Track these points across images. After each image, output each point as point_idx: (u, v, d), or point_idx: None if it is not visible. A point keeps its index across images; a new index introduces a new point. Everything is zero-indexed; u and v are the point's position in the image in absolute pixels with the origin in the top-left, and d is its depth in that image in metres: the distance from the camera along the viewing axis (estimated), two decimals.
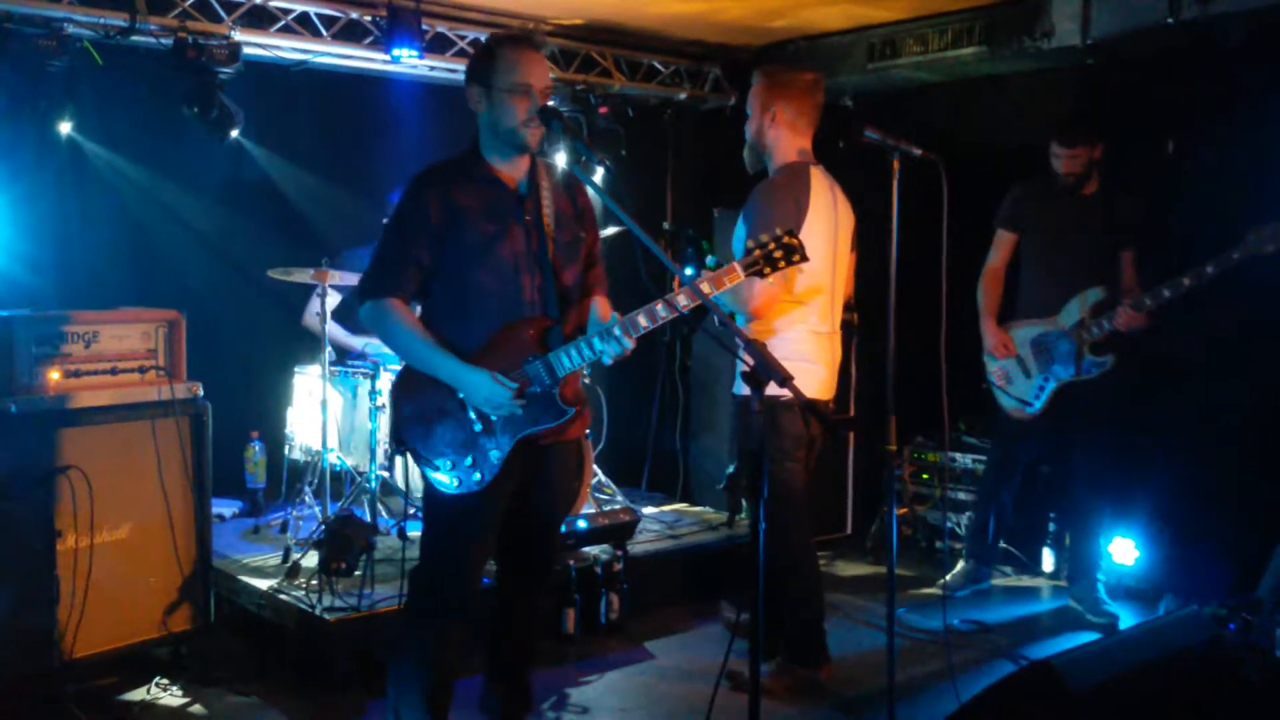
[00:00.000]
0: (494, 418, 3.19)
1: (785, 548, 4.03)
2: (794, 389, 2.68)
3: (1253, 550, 4.70)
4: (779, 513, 3.98)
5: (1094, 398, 5.00)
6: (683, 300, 3.11)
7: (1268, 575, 4.57)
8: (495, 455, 3.20)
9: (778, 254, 3.10)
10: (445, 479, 3.22)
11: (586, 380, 5.96)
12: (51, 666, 3.74)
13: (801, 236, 3.92)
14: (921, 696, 4.18)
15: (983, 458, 5.81)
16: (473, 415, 3.20)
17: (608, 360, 3.18)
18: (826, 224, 4.06)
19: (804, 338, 4.05)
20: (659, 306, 3.12)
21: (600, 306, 3.40)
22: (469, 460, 3.20)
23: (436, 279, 3.26)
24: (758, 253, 3.11)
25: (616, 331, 3.12)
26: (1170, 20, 4.74)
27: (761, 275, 3.15)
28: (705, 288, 3.07)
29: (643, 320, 3.13)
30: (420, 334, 3.21)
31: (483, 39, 5.50)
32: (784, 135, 4.09)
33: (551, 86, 3.26)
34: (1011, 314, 5.21)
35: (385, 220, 3.40)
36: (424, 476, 3.28)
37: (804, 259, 3.11)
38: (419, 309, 3.35)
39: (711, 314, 3.01)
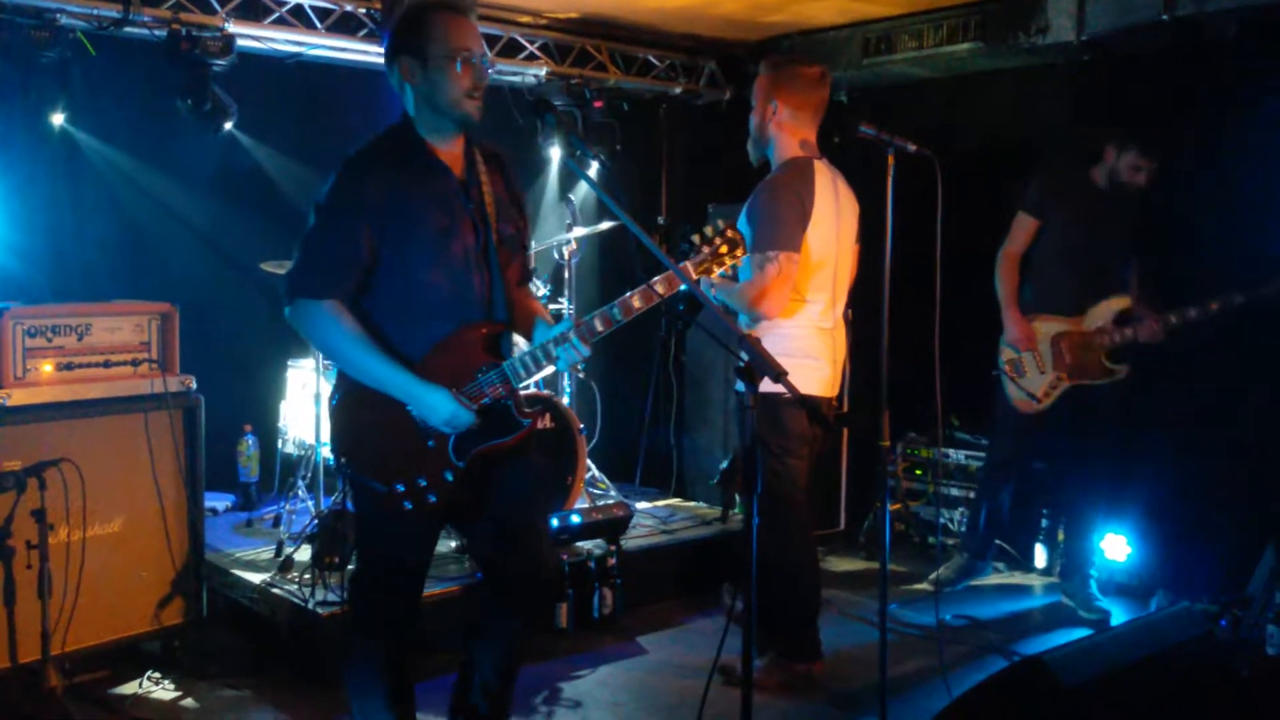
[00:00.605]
0: (449, 433, 2.97)
1: (784, 545, 4.02)
2: (788, 384, 2.67)
3: (1244, 548, 4.72)
4: (780, 510, 3.98)
5: (1101, 402, 5.02)
6: (637, 302, 2.97)
7: (1258, 572, 4.58)
8: (449, 475, 2.98)
9: (723, 249, 2.98)
10: (396, 500, 2.97)
11: (581, 375, 5.97)
12: (43, 660, 3.73)
13: (807, 234, 3.95)
14: (913, 692, 4.19)
15: (976, 454, 5.82)
16: (425, 433, 2.97)
17: (563, 367, 3.05)
18: (830, 220, 4.05)
19: (807, 334, 4.04)
20: (615, 310, 2.97)
21: (538, 309, 3.24)
22: (423, 481, 2.96)
23: (378, 275, 2.96)
24: (705, 249, 3.01)
25: (574, 339, 2.95)
26: (1165, 16, 4.74)
27: (709, 274, 3.04)
28: (660, 288, 2.96)
29: (599, 324, 2.97)
30: (367, 344, 2.91)
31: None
32: (785, 128, 4.07)
33: (484, 53, 3.01)
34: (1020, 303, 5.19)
35: (316, 202, 3.00)
36: (367, 495, 3.03)
37: (746, 251, 3.03)
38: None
39: (706, 308, 2.98)
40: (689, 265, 2.99)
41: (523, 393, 3.19)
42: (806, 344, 4.02)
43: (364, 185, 2.92)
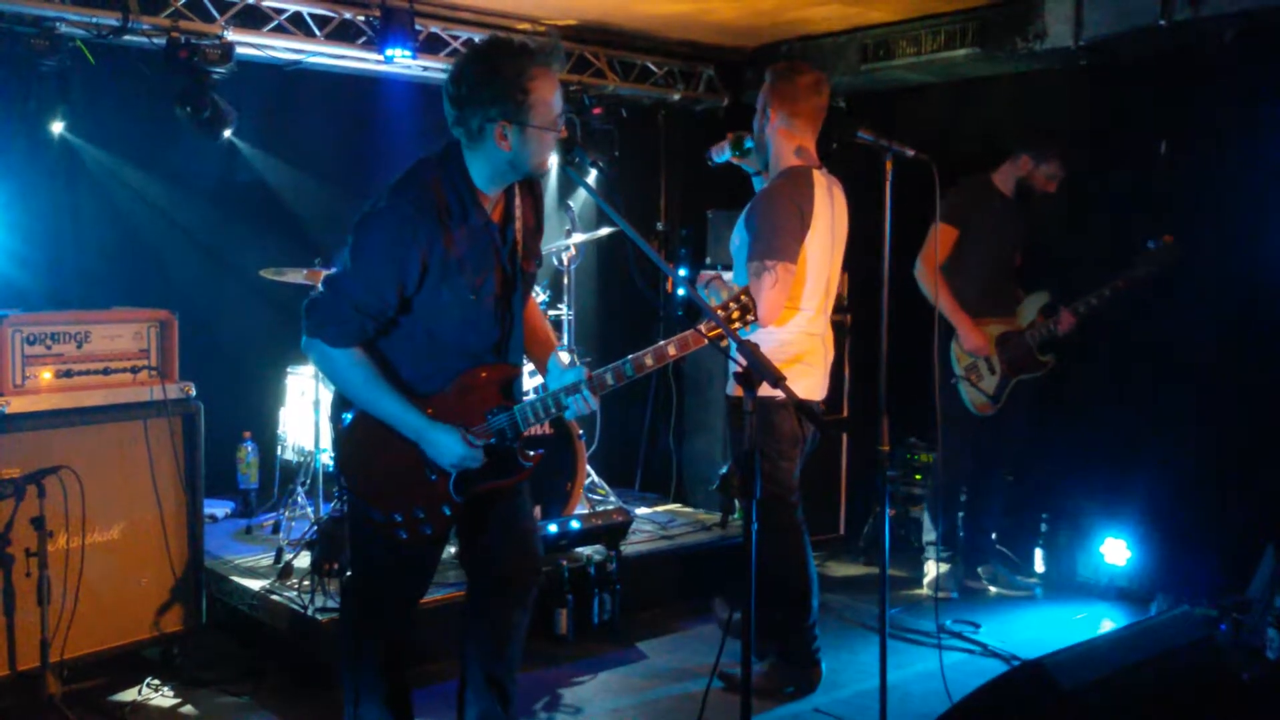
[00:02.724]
0: (451, 472, 2.98)
1: (777, 547, 4.03)
2: (786, 389, 2.67)
3: (1243, 551, 4.72)
4: (771, 513, 4.00)
5: (1037, 393, 5.33)
6: (649, 360, 2.99)
7: (1258, 576, 4.58)
8: (447, 510, 3.01)
9: (735, 314, 2.98)
10: (392, 530, 3.00)
11: None
12: (42, 667, 3.72)
13: (805, 244, 3.96)
14: (913, 697, 4.19)
15: None
16: (428, 467, 2.98)
17: (570, 416, 3.05)
18: (825, 230, 4.06)
19: (799, 340, 4.05)
20: (627, 366, 2.99)
21: (548, 331, 3.25)
22: (420, 513, 3.00)
23: (402, 321, 2.95)
24: (720, 313, 3.01)
25: (585, 392, 2.97)
26: (1162, 22, 4.75)
27: (719, 342, 3.04)
28: (671, 350, 2.98)
29: (610, 379, 2.99)
30: (382, 385, 2.91)
31: (476, 39, 5.49)
32: (780, 135, 4.07)
33: None
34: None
35: (352, 242, 2.92)
36: (364, 520, 3.06)
37: (756, 319, 3.04)
38: None
39: (704, 314, 2.99)
40: (702, 327, 2.95)
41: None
42: (798, 349, 4.04)
43: (405, 240, 2.82)
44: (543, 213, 3.18)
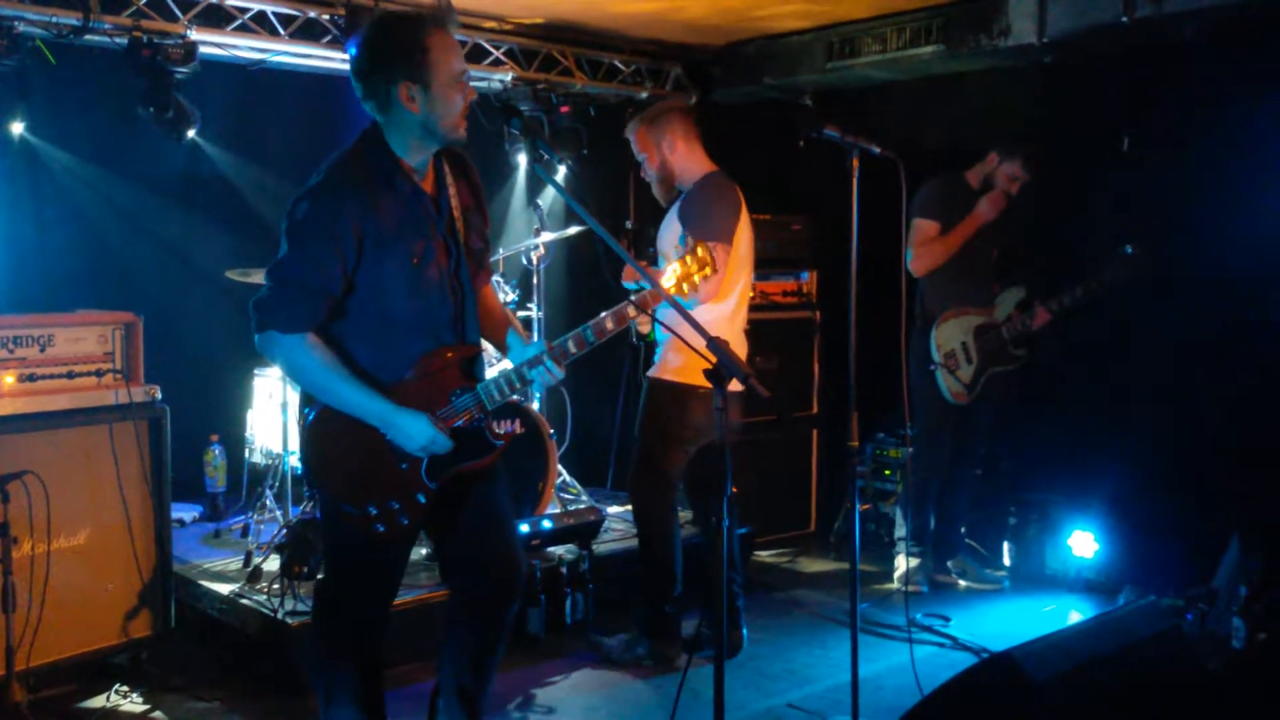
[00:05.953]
0: (422, 458, 2.97)
1: (664, 527, 4.38)
2: (752, 386, 2.70)
3: (1209, 542, 4.77)
4: (666, 495, 4.35)
5: (1006, 386, 5.38)
6: (610, 324, 3.00)
7: (1223, 566, 4.64)
8: (422, 497, 2.98)
9: (693, 267, 2.99)
10: (369, 523, 2.96)
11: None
12: (7, 675, 3.68)
13: (736, 237, 4.21)
14: (884, 690, 4.21)
15: None
16: (398, 456, 2.95)
17: (537, 390, 3.07)
18: (746, 232, 4.33)
19: (724, 327, 4.20)
20: (589, 332, 2.99)
21: (505, 312, 3.26)
22: (395, 504, 2.96)
23: (351, 302, 2.93)
24: (680, 268, 3.01)
25: (548, 362, 2.96)
26: (1125, 19, 4.80)
27: (680, 292, 3.02)
28: (631, 310, 3.00)
29: (572, 346, 2.99)
30: (341, 373, 2.88)
31: None
32: (687, 155, 4.36)
33: None
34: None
35: (285, 226, 2.91)
36: (339, 517, 3.01)
37: (715, 270, 3.04)
38: None
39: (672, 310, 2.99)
40: (662, 286, 2.98)
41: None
42: (723, 335, 4.17)
43: (337, 213, 2.84)
44: (481, 195, 3.17)
